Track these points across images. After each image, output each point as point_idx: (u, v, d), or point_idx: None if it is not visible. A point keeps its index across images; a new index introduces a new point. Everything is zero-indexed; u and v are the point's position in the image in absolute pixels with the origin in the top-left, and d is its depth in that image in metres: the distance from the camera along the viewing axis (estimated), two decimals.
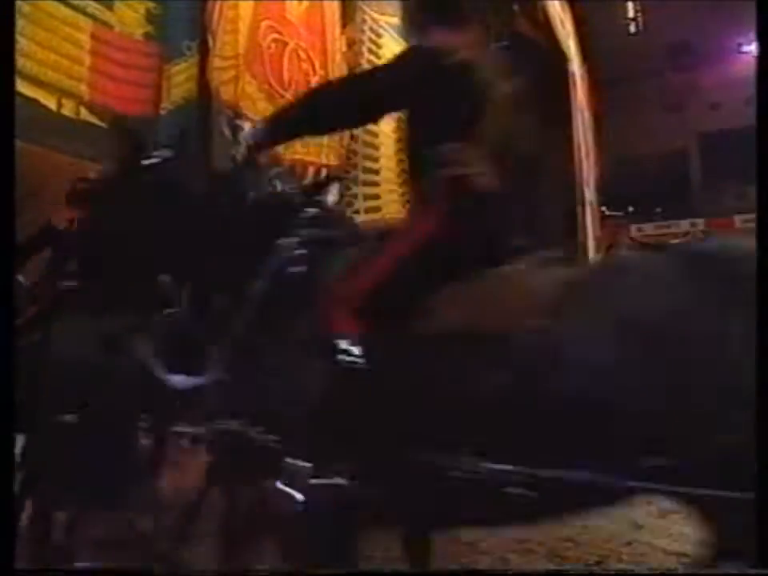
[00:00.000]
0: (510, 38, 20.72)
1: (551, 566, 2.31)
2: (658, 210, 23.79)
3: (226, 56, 10.46)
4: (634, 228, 23.68)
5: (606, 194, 22.11)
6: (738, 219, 22.14)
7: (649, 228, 23.39)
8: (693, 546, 2.55)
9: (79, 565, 2.30)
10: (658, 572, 2.19)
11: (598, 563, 2.34)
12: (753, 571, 2.22)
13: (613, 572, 2.17)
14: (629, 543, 2.59)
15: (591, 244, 19.79)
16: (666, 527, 2.83)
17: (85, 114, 8.03)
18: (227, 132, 9.66)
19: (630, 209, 24.54)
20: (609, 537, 2.65)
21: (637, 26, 23.04)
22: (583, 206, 19.00)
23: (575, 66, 20.65)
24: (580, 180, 19.03)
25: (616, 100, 22.39)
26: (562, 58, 19.84)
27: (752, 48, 23.86)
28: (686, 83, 24.01)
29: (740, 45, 23.83)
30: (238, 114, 11.03)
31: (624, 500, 1.73)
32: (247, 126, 9.95)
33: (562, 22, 20.43)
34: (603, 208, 22.66)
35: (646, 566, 2.33)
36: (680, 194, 23.77)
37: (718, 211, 22.77)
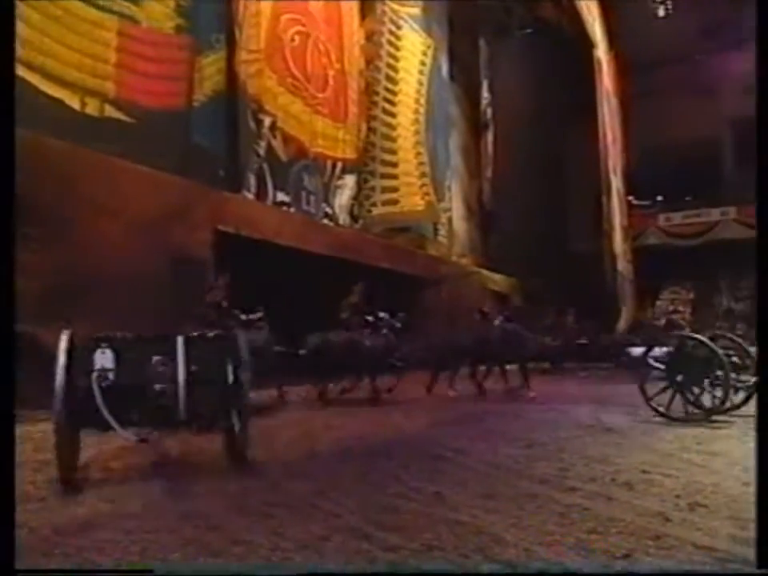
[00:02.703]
0: (534, 25, 20.50)
1: (577, 559, 2.30)
2: (688, 198, 23.28)
3: (251, 49, 10.51)
4: (662, 217, 23.24)
5: (633, 183, 21.72)
6: None
7: (677, 217, 22.91)
8: (722, 541, 2.52)
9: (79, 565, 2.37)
10: (657, 572, 2.17)
11: (625, 557, 2.32)
12: (753, 571, 2.20)
13: (614, 572, 2.15)
14: (657, 537, 2.56)
15: (618, 233, 19.49)
16: (695, 521, 2.79)
17: (110, 110, 8.16)
18: (252, 126, 10.02)
19: (659, 198, 24.07)
20: (636, 530, 2.63)
21: (666, 9, 22.50)
22: (609, 194, 18.72)
23: (601, 52, 20.27)
24: (606, 168, 18.74)
25: (644, 86, 21.91)
26: (587, 44, 19.52)
27: None
28: (718, 67, 23.35)
29: None
30: (262, 108, 11.13)
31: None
32: (268, 121, 10.38)
33: (587, 8, 20.05)
34: (630, 197, 22.27)
35: (673, 561, 2.30)
36: (711, 182, 23.18)
37: (750, 199, 22.17)
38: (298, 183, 11.66)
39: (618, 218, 19.78)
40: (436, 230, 15.85)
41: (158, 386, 3.58)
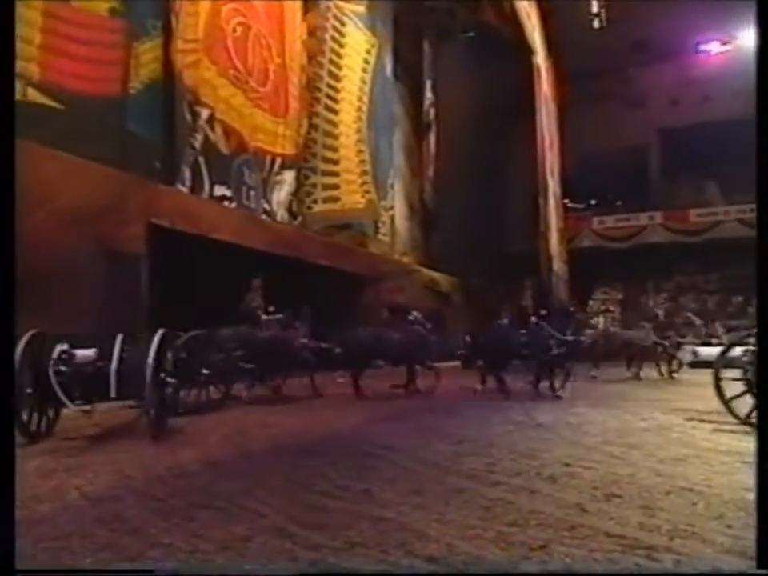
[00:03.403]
0: (477, 29, 20.81)
1: (497, 551, 2.36)
2: (619, 203, 24.34)
3: (188, 39, 10.18)
4: (596, 220, 24.18)
5: (569, 186, 22.48)
6: (693, 213, 22.82)
7: (610, 221, 23.91)
8: (632, 529, 2.64)
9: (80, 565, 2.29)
10: (657, 572, 2.24)
11: (541, 548, 2.40)
12: (753, 571, 2.31)
13: (615, 572, 2.22)
14: (572, 527, 2.65)
15: (554, 235, 20.13)
16: (609, 511, 2.92)
17: (35, 95, 7.73)
18: (188, 118, 9.69)
19: (593, 201, 25.05)
20: (554, 522, 2.72)
21: (600, 21, 23.38)
22: (546, 197, 19.30)
23: (540, 59, 20.86)
24: (543, 171, 19.30)
25: (579, 94, 22.72)
26: (527, 50, 20.05)
27: (709, 47, 24.52)
28: (647, 79, 24.51)
29: (698, 44, 24.46)
30: (198, 100, 10.82)
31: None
32: (205, 113, 10.05)
33: (528, 15, 20.57)
34: (566, 200, 23.05)
35: (585, 550, 2.39)
36: (640, 188, 24.34)
37: (675, 205, 23.42)
38: (238, 178, 11.42)
39: (554, 220, 20.43)
40: (377, 227, 15.90)
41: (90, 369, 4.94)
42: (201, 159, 10.04)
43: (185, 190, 9.77)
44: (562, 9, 22.00)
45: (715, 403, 7.27)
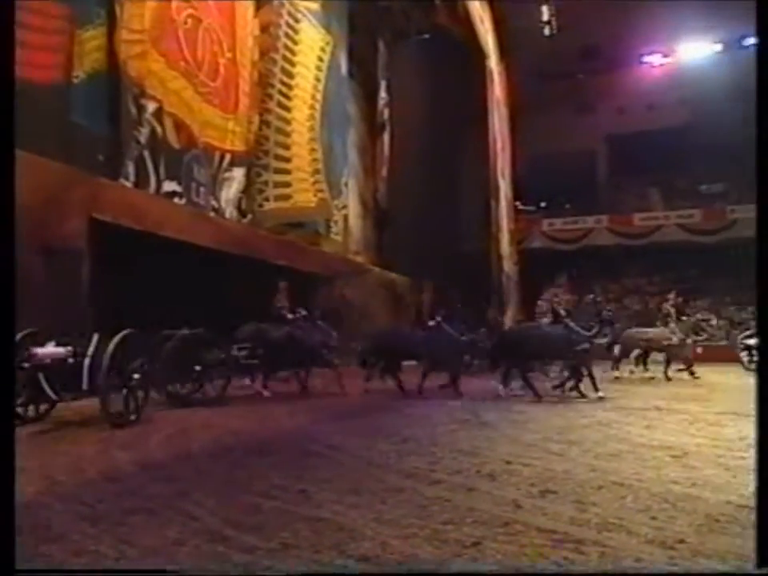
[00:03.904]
0: (432, 31, 20.89)
1: (430, 549, 2.38)
2: (568, 206, 24.97)
3: (134, 29, 9.85)
4: (545, 223, 24.75)
5: (520, 189, 22.93)
6: (636, 217, 23.66)
7: (558, 223, 24.52)
8: (563, 524, 2.71)
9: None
10: (657, 572, 2.28)
11: (474, 545, 2.43)
12: (753, 571, 2.37)
13: (613, 572, 2.25)
14: (506, 524, 2.70)
15: (505, 236, 20.48)
16: (543, 507, 2.99)
17: None
18: (133, 110, 9.32)
19: (542, 204, 25.62)
20: (489, 519, 2.77)
21: (551, 29, 23.92)
22: (497, 198, 19.61)
23: (493, 62, 21.17)
24: (495, 173, 19.60)
25: (531, 98, 23.20)
26: (480, 53, 20.32)
27: (652, 59, 25.49)
28: (596, 87, 25.25)
29: (641, 55, 25.38)
30: (144, 93, 10.50)
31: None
32: (152, 106, 9.66)
33: (481, 20, 20.85)
34: (517, 202, 23.50)
35: (517, 546, 2.43)
36: (588, 192, 25.05)
37: (621, 209, 24.22)
38: (188, 173, 11.14)
39: (505, 221, 20.77)
40: (329, 226, 15.82)
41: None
42: (146, 154, 9.74)
43: (128, 184, 9.45)
44: (514, 15, 22.39)
45: (654, 400, 7.56)
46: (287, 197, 14.05)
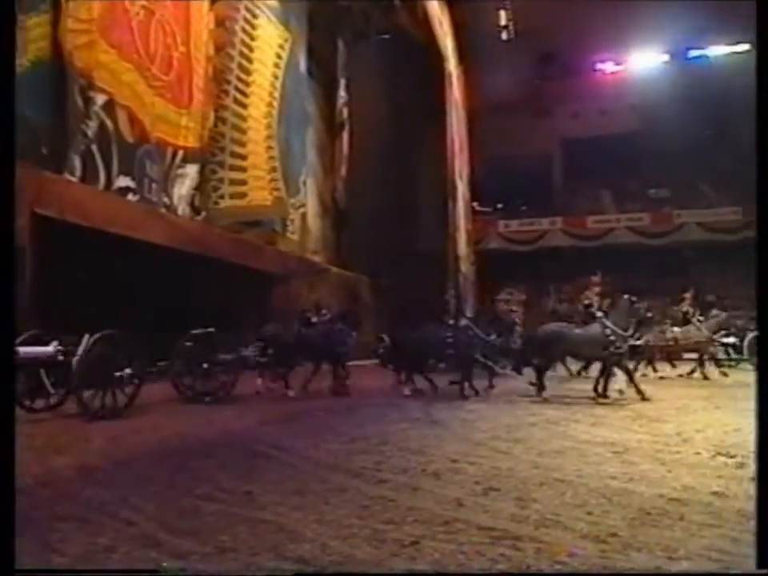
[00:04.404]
0: (391, 31, 20.93)
1: (369, 549, 2.38)
2: (523, 208, 25.46)
3: (81, 18, 9.51)
4: (501, 224, 25.16)
5: (477, 190, 23.21)
6: (590, 220, 24.29)
7: (514, 224, 24.97)
8: (503, 521, 2.75)
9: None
10: (656, 572, 2.30)
11: (413, 544, 2.44)
12: (753, 571, 2.41)
13: (612, 572, 2.26)
14: (446, 522, 2.73)
15: (462, 236, 20.71)
16: (485, 504, 3.03)
17: None
18: (79, 103, 8.96)
19: (499, 205, 26.03)
20: (430, 517, 2.79)
21: (509, 34, 24.32)
22: (455, 199, 19.80)
23: (451, 65, 21.37)
24: (453, 174, 19.78)
25: (489, 101, 23.53)
26: (439, 56, 20.49)
27: (605, 66, 26.24)
28: (552, 92, 25.81)
29: (595, 62, 26.09)
30: (92, 85, 10.16)
31: None
32: (101, 99, 9.26)
33: (440, 23, 21.01)
34: (474, 203, 23.78)
35: (455, 544, 2.45)
36: (543, 194, 25.59)
37: (575, 211, 24.82)
38: (141, 169, 10.85)
39: (462, 222, 20.98)
40: (285, 225, 15.67)
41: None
42: (94, 148, 9.43)
43: (74, 179, 9.13)
44: (473, 19, 22.68)
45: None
46: (243, 195, 13.86)
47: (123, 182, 10.46)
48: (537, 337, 8.42)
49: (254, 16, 15.08)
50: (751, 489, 3.35)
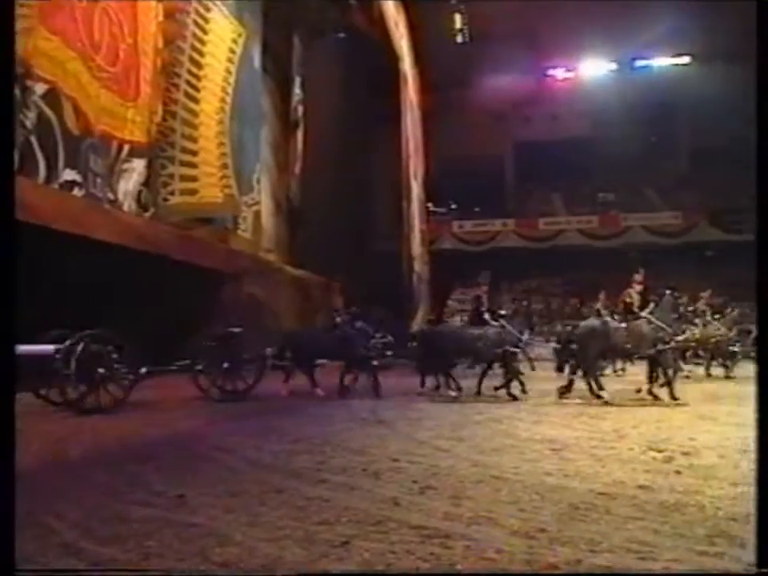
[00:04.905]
0: (347, 30, 20.89)
1: (298, 550, 2.36)
2: (477, 209, 25.85)
3: (18, 2, 9.07)
4: (455, 224, 25.47)
5: (431, 191, 23.44)
6: (541, 222, 24.86)
7: (468, 225, 25.32)
8: (436, 520, 2.78)
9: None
10: (655, 572, 2.31)
11: (343, 544, 2.44)
12: (753, 571, 2.44)
13: (610, 573, 2.26)
14: (379, 522, 2.74)
15: (416, 236, 20.88)
16: (421, 503, 3.06)
17: None
18: (16, 92, 8.54)
19: (453, 206, 26.36)
20: (364, 517, 2.79)
21: (464, 37, 24.64)
22: (409, 199, 19.96)
23: (407, 65, 21.52)
24: (407, 174, 19.94)
25: (445, 103, 23.78)
26: (394, 56, 20.59)
27: (556, 72, 26.90)
28: (506, 95, 26.28)
29: (546, 68, 26.72)
30: (30, 73, 9.75)
31: None
32: (41, 88, 8.87)
33: (396, 23, 21.12)
34: (429, 204, 24.01)
35: (387, 543, 2.46)
36: (496, 196, 26.05)
37: (526, 213, 25.35)
38: (85, 163, 10.45)
39: (417, 222, 21.18)
40: (236, 223, 15.41)
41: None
42: (33, 139, 9.04)
43: None
44: (429, 22, 22.89)
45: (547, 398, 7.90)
46: (193, 191, 13.54)
47: (69, 175, 10.05)
48: (576, 334, 8.03)
49: (207, 9, 14.76)
50: (677, 482, 3.51)
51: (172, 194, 13.00)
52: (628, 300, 8.11)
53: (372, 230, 21.29)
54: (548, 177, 25.05)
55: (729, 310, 12.21)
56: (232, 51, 16.06)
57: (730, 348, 11.18)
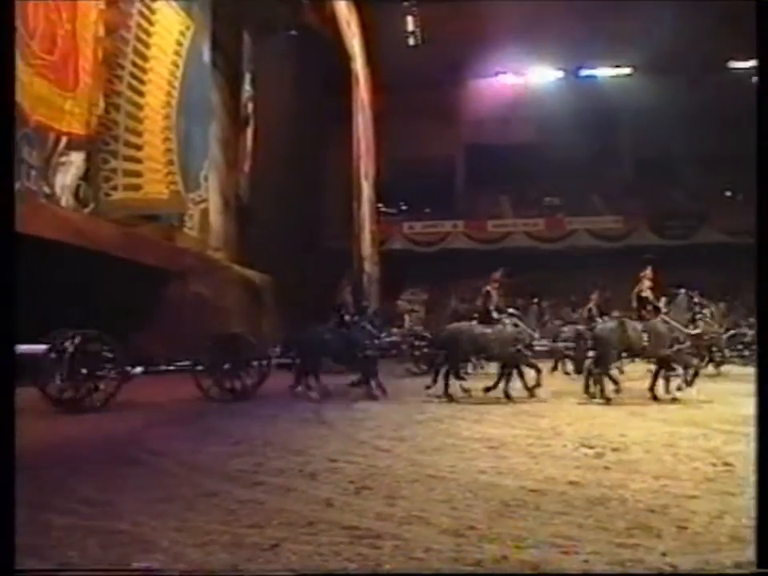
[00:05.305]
0: (299, 28, 20.66)
1: (225, 555, 2.32)
2: (427, 210, 26.07)
3: None
4: (406, 225, 25.64)
5: (382, 191, 23.50)
6: (490, 224, 25.31)
7: (418, 226, 25.52)
8: (368, 520, 2.79)
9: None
10: (657, 572, 2.30)
11: (273, 547, 2.42)
12: (753, 571, 2.44)
13: (609, 573, 2.24)
14: (311, 523, 2.73)
15: (367, 237, 20.87)
16: (354, 504, 3.07)
17: None
18: None
19: (403, 207, 26.50)
20: (296, 519, 2.78)
21: (416, 40, 24.80)
22: (360, 199, 19.93)
23: (359, 65, 21.47)
24: (358, 174, 19.89)
25: (396, 104, 23.86)
26: (346, 55, 20.51)
27: (506, 77, 27.45)
28: (458, 98, 26.60)
29: (498, 73, 27.21)
30: None
31: None
32: None
33: (348, 23, 21.05)
34: (380, 204, 24.06)
35: (315, 545, 2.46)
36: (446, 197, 26.34)
37: (475, 215, 25.75)
38: (18, 154, 9.96)
39: (367, 222, 21.15)
40: (182, 220, 15.04)
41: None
42: None
43: None
44: (381, 23, 22.92)
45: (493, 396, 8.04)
46: (137, 187, 13.13)
47: None
48: (594, 334, 7.95)
49: None
50: (604, 477, 3.64)
51: (115, 189, 12.56)
52: (644, 295, 7.93)
53: (322, 229, 21.20)
54: (497, 180, 25.50)
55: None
56: (179, 44, 15.66)
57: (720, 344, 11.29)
